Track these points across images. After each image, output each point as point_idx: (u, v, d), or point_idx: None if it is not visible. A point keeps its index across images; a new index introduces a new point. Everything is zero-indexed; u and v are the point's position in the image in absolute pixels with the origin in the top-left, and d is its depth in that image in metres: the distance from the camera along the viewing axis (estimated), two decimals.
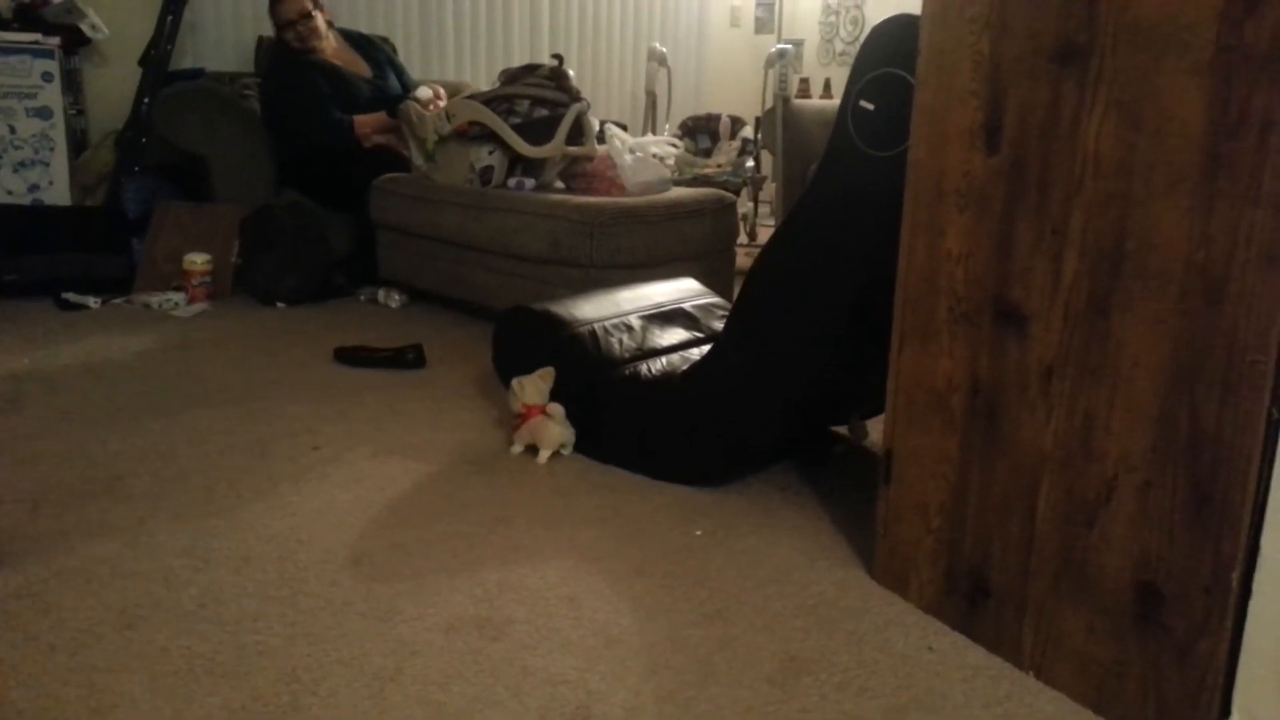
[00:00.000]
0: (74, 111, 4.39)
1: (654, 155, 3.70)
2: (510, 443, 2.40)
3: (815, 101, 5.75)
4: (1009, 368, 1.47)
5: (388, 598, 1.67)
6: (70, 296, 3.72)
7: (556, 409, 2.35)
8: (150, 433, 2.43)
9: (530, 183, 3.67)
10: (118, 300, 3.80)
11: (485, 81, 5.46)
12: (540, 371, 2.37)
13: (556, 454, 2.35)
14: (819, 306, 1.94)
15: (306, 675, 1.45)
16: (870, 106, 1.81)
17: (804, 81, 6.29)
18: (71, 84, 4.37)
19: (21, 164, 4.13)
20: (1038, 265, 1.42)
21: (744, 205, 4.67)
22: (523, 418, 2.36)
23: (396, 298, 3.97)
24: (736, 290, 3.16)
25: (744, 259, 4.17)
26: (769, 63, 4.97)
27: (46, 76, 4.16)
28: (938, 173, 1.56)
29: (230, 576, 1.72)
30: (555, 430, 2.34)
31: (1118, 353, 1.33)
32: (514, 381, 2.37)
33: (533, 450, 2.36)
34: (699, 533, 1.95)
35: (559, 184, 3.77)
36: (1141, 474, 1.32)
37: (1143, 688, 1.34)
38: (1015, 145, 1.45)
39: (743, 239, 4.60)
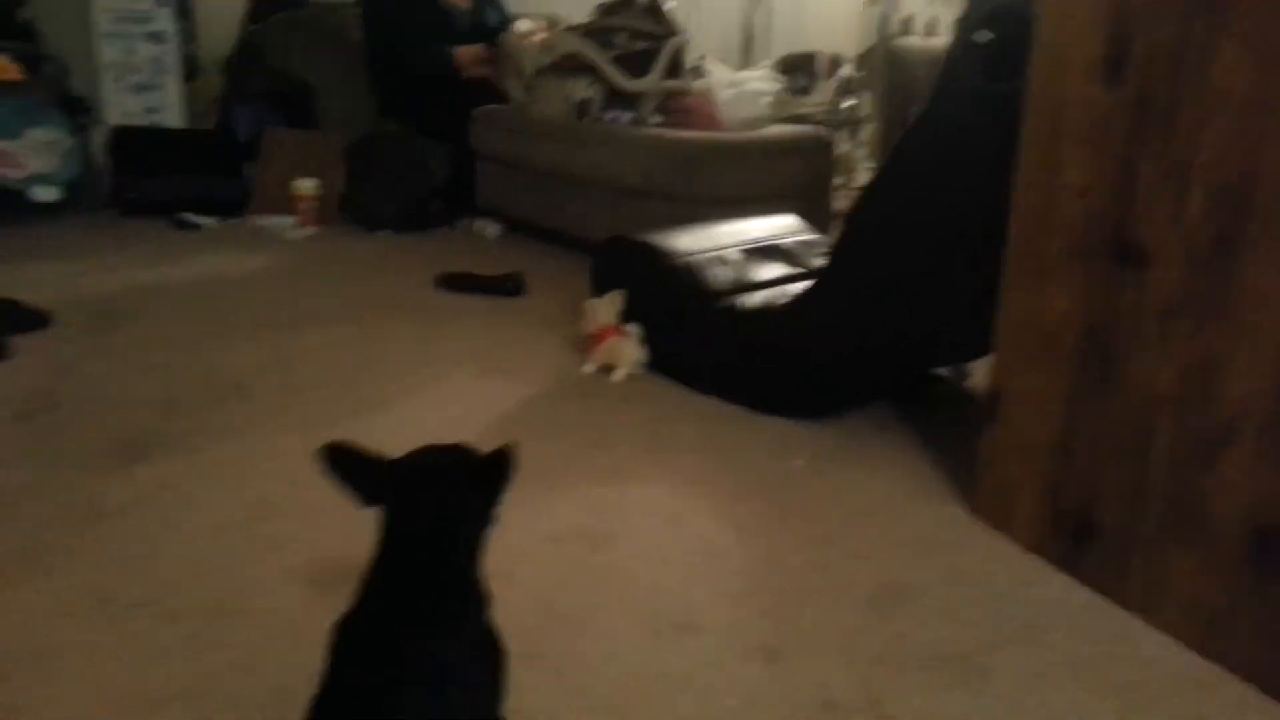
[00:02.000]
0: (185, 37, 4.51)
1: (752, 91, 3.65)
2: (583, 362, 2.47)
3: (919, 41, 5.58)
4: (1125, 307, 1.45)
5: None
6: (188, 217, 3.87)
7: (633, 329, 2.41)
8: (268, 346, 2.55)
9: (626, 116, 3.66)
10: (232, 221, 3.95)
11: (581, 15, 5.43)
12: (610, 294, 2.43)
13: (630, 373, 2.41)
14: (925, 244, 1.92)
15: None
16: (986, 39, 1.77)
17: (907, 20, 6.10)
18: (183, 10, 4.49)
19: (139, 87, 4.29)
20: (1160, 202, 1.39)
21: (841, 146, 4.59)
22: (597, 338, 2.42)
23: (494, 227, 4.04)
24: (832, 231, 3.14)
25: (842, 201, 4.12)
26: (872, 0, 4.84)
27: (160, 1, 4.28)
28: (1056, 106, 1.53)
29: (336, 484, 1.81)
30: (630, 349, 2.40)
31: (1242, 293, 1.31)
32: (586, 304, 2.43)
33: (607, 369, 2.42)
34: (799, 463, 1.98)
35: (655, 118, 3.75)
36: (1263, 416, 1.30)
37: (1254, 631, 1.33)
38: (1140, 78, 1.40)
39: (840, 180, 4.54)
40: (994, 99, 1.71)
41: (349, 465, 1.05)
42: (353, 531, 1.63)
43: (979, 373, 2.35)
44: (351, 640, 0.98)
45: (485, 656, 1.01)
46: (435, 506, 1.03)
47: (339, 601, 1.44)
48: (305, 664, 1.30)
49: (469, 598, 1.02)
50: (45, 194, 3.72)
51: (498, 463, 1.04)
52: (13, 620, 1.38)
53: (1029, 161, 1.58)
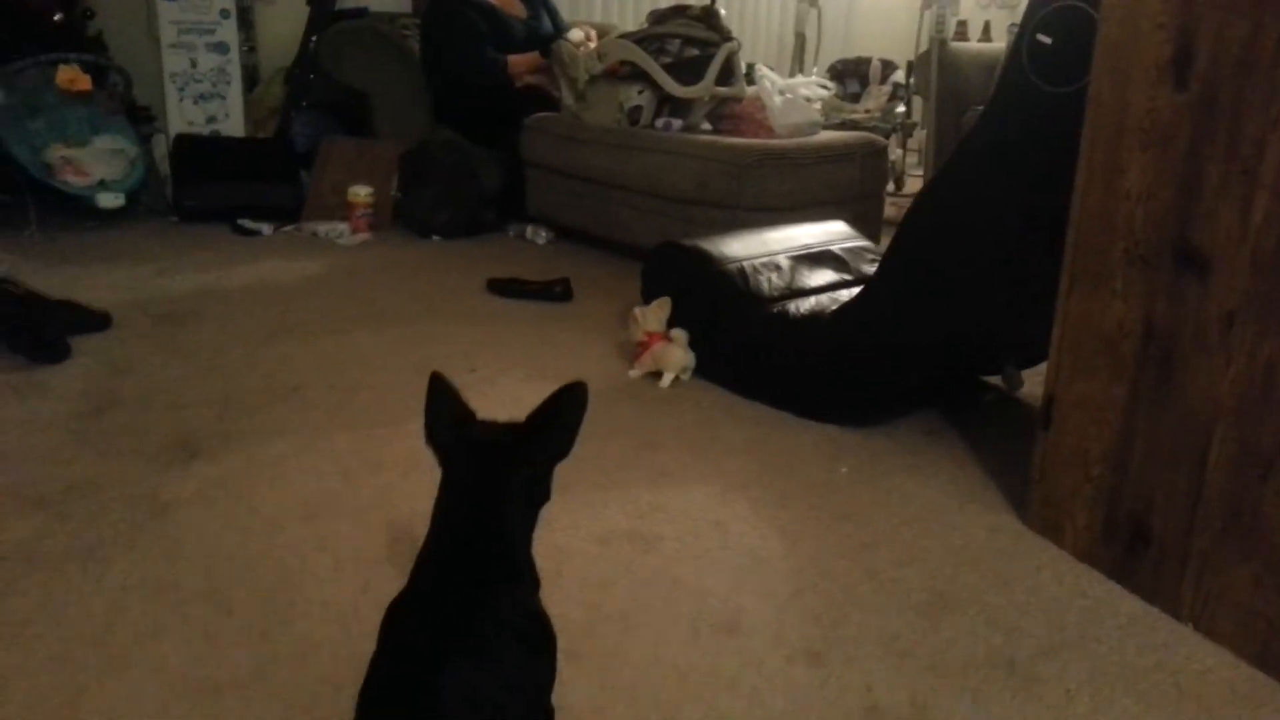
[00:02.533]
0: (246, 48, 4.63)
1: (804, 97, 3.65)
2: (630, 366, 2.48)
3: (973, 45, 5.52)
4: (1187, 313, 1.43)
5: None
6: (245, 223, 3.97)
7: (680, 334, 2.42)
8: (322, 349, 2.60)
9: (678, 123, 3.68)
10: (288, 228, 4.03)
11: (633, 23, 5.46)
12: (658, 301, 2.45)
13: (677, 379, 2.42)
14: (979, 250, 1.90)
15: None
16: (1048, 40, 1.75)
17: (962, 24, 6.04)
18: (244, 21, 4.61)
19: (201, 96, 4.41)
20: (1224, 207, 1.37)
21: (892, 152, 4.56)
22: (644, 345, 2.43)
23: (544, 234, 4.07)
24: (883, 239, 3.12)
25: (891, 209, 4.09)
26: (926, 4, 4.81)
27: (224, 13, 4.40)
28: (1119, 109, 1.51)
29: (400, 480, 1.84)
30: (678, 354, 2.41)
31: None
32: (635, 311, 2.44)
33: (655, 375, 2.43)
34: (845, 470, 1.97)
35: (706, 125, 3.77)
36: None
37: None
38: (1207, 80, 1.38)
39: (890, 188, 4.51)
40: (1055, 102, 1.69)
41: (442, 404, 1.07)
42: (402, 531, 1.66)
43: (1030, 381, 2.32)
44: (400, 617, 0.99)
45: (534, 638, 1.01)
46: (484, 483, 1.03)
47: (388, 596, 1.47)
48: (355, 656, 1.33)
49: (518, 577, 1.03)
50: (110, 200, 3.83)
51: (552, 412, 1.03)
52: (74, 609, 1.42)
53: (1090, 165, 1.56)
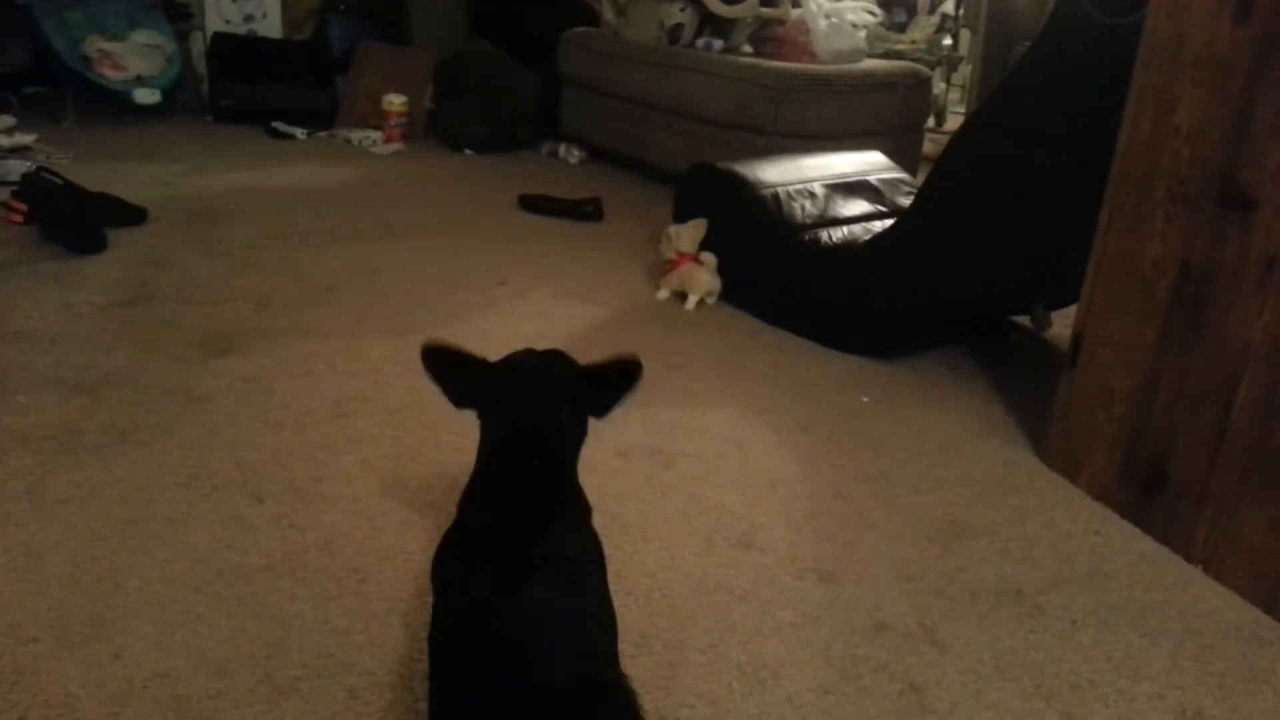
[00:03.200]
0: None
1: (850, 23, 3.56)
2: (657, 287, 2.48)
3: None
4: (1227, 254, 1.41)
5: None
6: (279, 126, 3.96)
7: (709, 258, 2.42)
8: (355, 254, 2.62)
9: (718, 44, 3.61)
10: (321, 133, 4.02)
11: None
12: (694, 221, 2.43)
13: (702, 302, 2.42)
14: (1019, 185, 1.87)
15: None
16: None
17: None
18: None
19: None
20: (1275, 147, 1.34)
21: (936, 86, 4.46)
22: (673, 264, 2.43)
23: (576, 153, 4.04)
24: (921, 174, 3.08)
25: (930, 145, 4.02)
26: None
27: None
28: (1176, 41, 1.47)
29: (430, 384, 1.87)
30: (705, 278, 2.40)
31: None
32: (670, 228, 2.43)
33: (680, 296, 2.43)
34: (866, 399, 1.98)
35: (747, 47, 3.69)
36: None
37: None
38: (1269, 14, 1.34)
39: (931, 122, 4.42)
40: (1110, 33, 1.65)
41: (448, 366, 1.07)
42: (430, 433, 1.70)
43: (1059, 323, 2.31)
44: (466, 553, 0.96)
45: (595, 556, 1.02)
46: (540, 411, 1.04)
47: (414, 494, 1.51)
48: (381, 548, 1.38)
49: (575, 501, 1.04)
50: (146, 96, 3.83)
51: (614, 374, 1.06)
52: (108, 491, 1.47)
53: (1140, 99, 1.52)
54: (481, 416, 1.07)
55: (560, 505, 1.00)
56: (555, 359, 1.10)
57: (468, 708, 0.86)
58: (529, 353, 1.11)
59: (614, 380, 1.06)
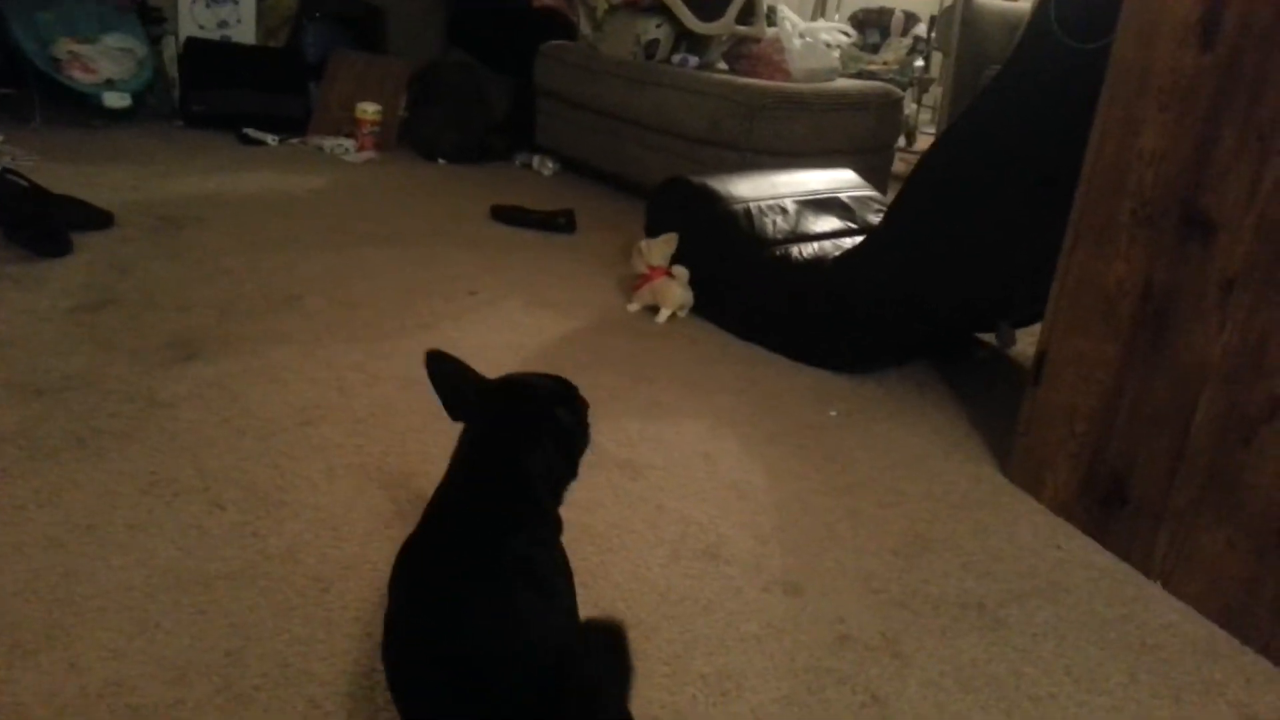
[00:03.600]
0: None
1: (824, 42, 3.61)
2: (629, 300, 2.49)
3: (998, 2, 5.43)
4: (1188, 276, 1.44)
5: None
6: (251, 132, 3.93)
7: (681, 271, 2.43)
8: (323, 263, 2.60)
9: (694, 60, 3.64)
10: (293, 140, 4.00)
11: None
12: (665, 236, 2.45)
13: (674, 315, 2.43)
14: (987, 204, 1.90)
15: None
16: None
17: None
18: None
19: (213, 0, 4.33)
20: (1236, 172, 1.37)
21: (907, 107, 4.51)
22: (645, 278, 2.44)
23: (550, 165, 4.05)
24: (891, 192, 3.11)
25: (900, 164, 4.06)
26: None
27: None
28: (1142, 68, 1.50)
29: (397, 393, 1.86)
30: (677, 291, 2.42)
31: None
32: (641, 243, 2.44)
33: (651, 309, 2.44)
34: (834, 413, 1.99)
35: (722, 64, 3.73)
36: None
37: (1277, 606, 1.33)
38: (1233, 44, 1.37)
39: (901, 142, 4.47)
40: (1078, 57, 1.68)
41: (449, 375, 1.08)
42: (396, 442, 1.69)
43: (1024, 340, 2.34)
44: (417, 557, 0.98)
45: (555, 561, 1.02)
46: (510, 421, 1.05)
47: (379, 504, 1.50)
48: (346, 558, 1.36)
49: (542, 514, 1.05)
50: (116, 100, 3.78)
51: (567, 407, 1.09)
52: (66, 496, 1.45)
53: (1107, 123, 1.55)
54: (464, 431, 1.09)
55: (516, 518, 1.00)
56: (543, 380, 1.11)
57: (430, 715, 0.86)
58: (522, 375, 1.12)
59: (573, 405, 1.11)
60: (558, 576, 1.00)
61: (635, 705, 1.14)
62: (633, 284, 2.49)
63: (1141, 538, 1.51)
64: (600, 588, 1.35)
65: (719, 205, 2.42)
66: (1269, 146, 1.32)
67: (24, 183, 2.59)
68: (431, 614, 0.90)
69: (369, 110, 3.94)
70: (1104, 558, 1.55)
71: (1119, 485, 1.55)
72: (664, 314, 2.42)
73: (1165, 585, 1.48)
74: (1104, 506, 1.58)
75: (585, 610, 1.29)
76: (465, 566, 0.92)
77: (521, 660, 0.87)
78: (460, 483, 1.04)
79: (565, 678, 0.86)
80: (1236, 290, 1.37)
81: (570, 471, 1.15)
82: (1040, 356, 1.69)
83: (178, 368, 1.89)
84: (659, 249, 2.44)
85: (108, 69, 3.77)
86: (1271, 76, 1.32)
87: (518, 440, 1.05)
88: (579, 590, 1.32)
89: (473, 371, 1.08)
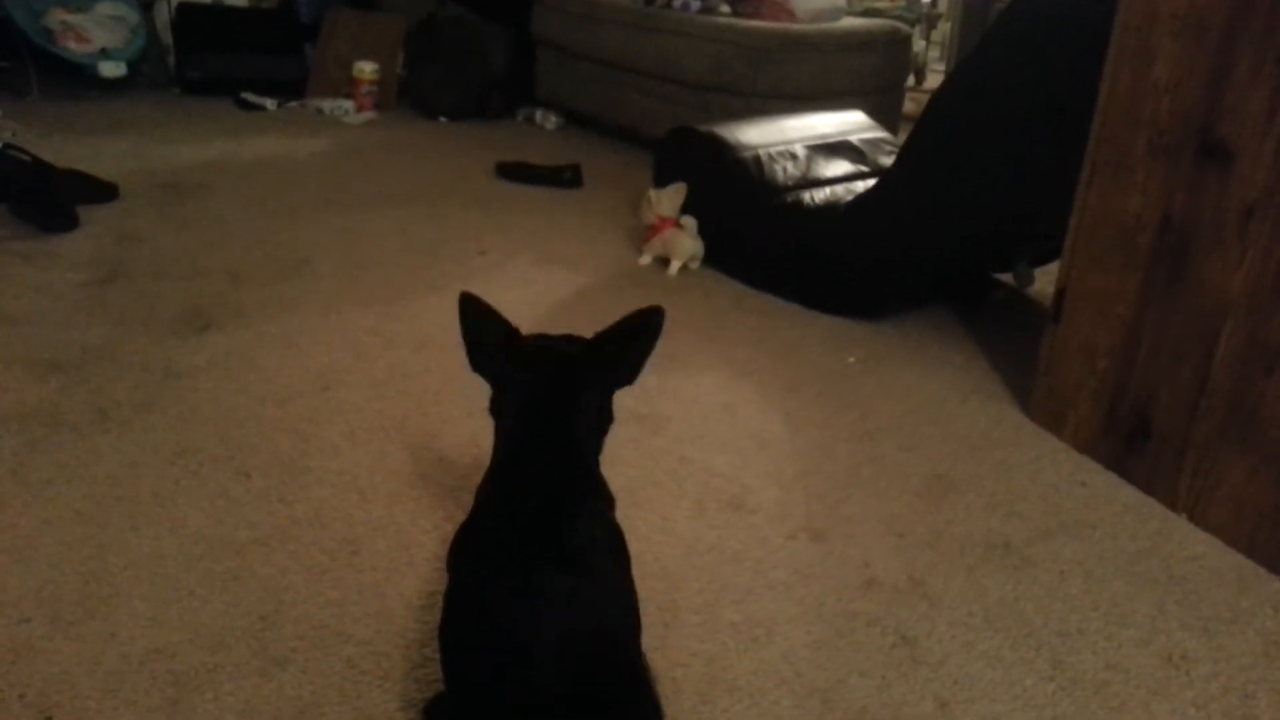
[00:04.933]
0: None
1: None
2: (639, 253, 2.47)
3: None
4: (1206, 206, 1.42)
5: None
6: (249, 96, 3.89)
7: (690, 221, 2.41)
8: (331, 226, 2.59)
9: (696, 4, 3.57)
10: (292, 103, 3.95)
11: None
12: (674, 186, 2.42)
13: (685, 267, 2.41)
14: (1001, 141, 1.87)
15: (486, 442, 1.57)
16: None
17: None
18: None
19: None
20: (1253, 98, 1.34)
21: (915, 44, 4.43)
22: (655, 229, 2.42)
23: (553, 119, 4.00)
24: (901, 134, 3.07)
25: (910, 104, 4.00)
26: None
27: None
28: None
29: (412, 355, 1.86)
30: (688, 242, 2.40)
31: None
32: (650, 193, 2.42)
33: (662, 261, 2.43)
34: (852, 360, 1.99)
35: (725, 6, 3.65)
36: None
37: None
38: None
39: (910, 81, 4.40)
40: None
41: (481, 322, 1.01)
42: (415, 405, 1.69)
43: (1042, 279, 2.32)
44: (481, 542, 0.95)
45: (619, 551, 1.00)
46: (556, 403, 1.00)
47: (402, 465, 1.51)
48: (372, 520, 1.37)
49: (597, 493, 1.01)
50: (111, 69, 3.74)
51: (627, 333, 1.00)
52: (92, 469, 1.46)
53: (1119, 54, 1.52)
54: (498, 389, 1.03)
55: (579, 498, 0.97)
56: (569, 344, 1.05)
57: (482, 707, 0.85)
58: (544, 338, 1.06)
59: (638, 340, 1.01)
60: (611, 563, 0.97)
61: (667, 654, 1.15)
62: (642, 236, 2.47)
63: (1165, 471, 1.51)
64: (628, 542, 1.36)
65: (727, 153, 2.39)
66: None
67: (26, 158, 2.58)
68: (485, 612, 0.88)
69: (366, 70, 3.90)
70: (1128, 493, 1.55)
71: (1141, 420, 1.55)
72: (675, 266, 2.40)
73: (1190, 517, 1.48)
74: (1127, 442, 1.58)
75: None
76: (522, 562, 0.89)
77: (596, 642, 0.87)
78: (510, 468, 0.99)
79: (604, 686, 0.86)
80: (1256, 218, 1.35)
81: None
82: (1059, 294, 1.67)
83: (194, 338, 1.89)
84: (668, 199, 2.41)
85: (102, 38, 3.72)
86: None
87: (561, 420, 1.00)
88: None
89: (506, 324, 1.02)
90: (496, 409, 1.03)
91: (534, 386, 1.01)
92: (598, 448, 1.04)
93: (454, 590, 0.94)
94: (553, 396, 1.00)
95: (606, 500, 1.03)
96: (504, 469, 1.00)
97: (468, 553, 0.96)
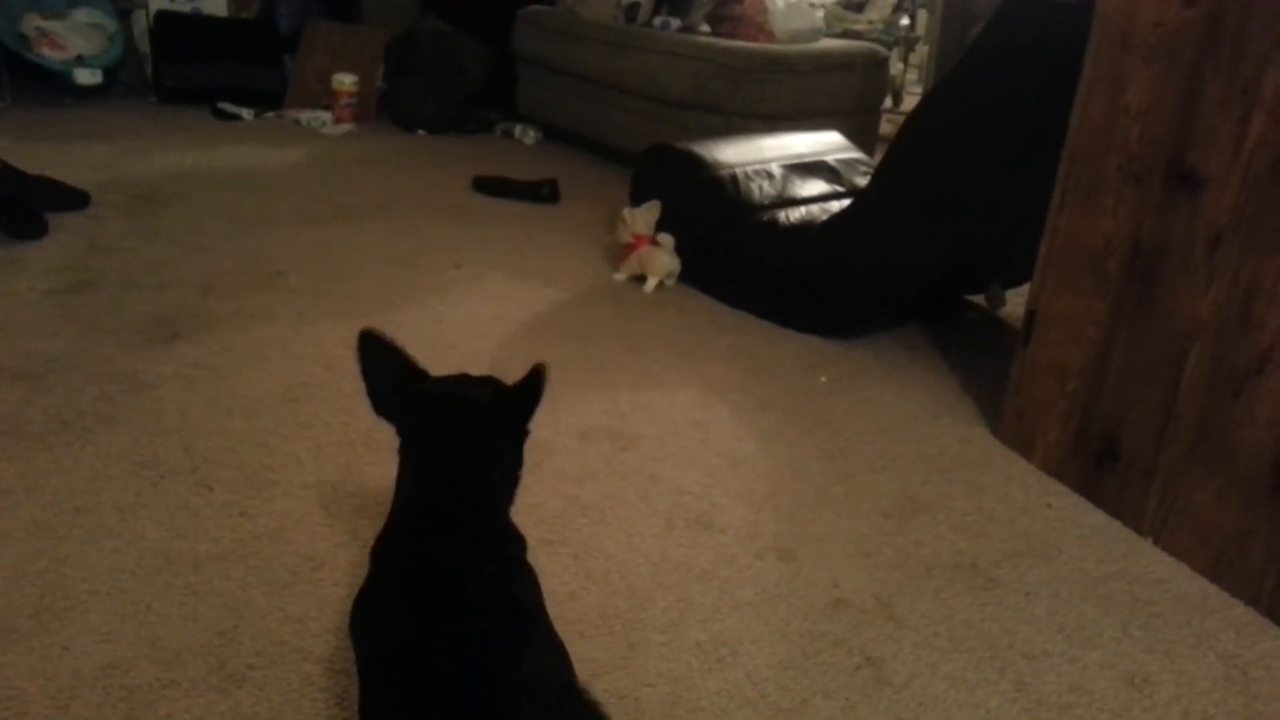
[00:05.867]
0: None
1: (807, 2, 3.56)
2: (615, 270, 2.48)
3: None
4: (1175, 231, 1.43)
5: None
6: (226, 106, 3.87)
7: (666, 239, 2.41)
8: (305, 238, 2.57)
9: (676, 23, 3.59)
10: (269, 114, 3.94)
11: None
12: (648, 204, 2.43)
13: (661, 283, 2.42)
14: (976, 164, 1.88)
15: None
16: None
17: None
18: None
19: None
20: (1222, 126, 1.36)
21: (893, 67, 4.47)
22: (630, 247, 2.42)
23: (532, 134, 4.00)
24: (877, 154, 3.09)
25: (887, 125, 4.03)
26: None
27: None
28: (1127, 22, 1.48)
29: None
30: (664, 259, 2.40)
31: None
32: (624, 211, 2.43)
33: (639, 279, 2.43)
34: (824, 379, 1.99)
35: (705, 26, 3.67)
36: None
37: (1266, 558, 1.34)
38: None
39: (888, 103, 4.44)
40: (1062, 13, 1.66)
41: (382, 363, 0.97)
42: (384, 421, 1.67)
43: (1013, 302, 2.34)
44: (390, 608, 0.88)
45: (532, 591, 0.93)
46: (464, 445, 0.95)
47: (368, 480, 1.49)
48: (337, 535, 1.36)
49: (509, 536, 0.96)
50: (87, 77, 3.72)
51: (530, 384, 0.97)
52: (54, 480, 1.43)
53: (1092, 79, 1.54)
54: (401, 440, 0.98)
55: (493, 544, 0.92)
56: (479, 387, 1.01)
57: None
58: (458, 379, 1.01)
59: (527, 394, 0.98)
60: (534, 607, 0.91)
61: (632, 673, 1.14)
62: (618, 254, 2.47)
63: (1132, 495, 1.52)
64: (593, 559, 1.35)
65: (704, 171, 2.40)
66: (1253, 99, 1.31)
67: None
68: (425, 672, 0.80)
69: (346, 82, 3.89)
70: (1095, 516, 1.56)
71: (1109, 443, 1.55)
72: (651, 283, 2.40)
73: (1156, 541, 1.49)
74: (1095, 465, 1.58)
75: (579, 583, 1.30)
76: (449, 614, 0.83)
77: (545, 692, 0.82)
78: (417, 516, 0.93)
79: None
80: (1224, 244, 1.36)
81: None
82: (1030, 316, 1.68)
83: (161, 348, 1.87)
84: (643, 217, 2.42)
85: (78, 45, 3.70)
86: (1254, 28, 1.30)
87: (478, 464, 0.95)
88: (571, 564, 1.33)
89: (409, 363, 0.97)
90: (401, 444, 0.98)
91: (442, 433, 0.95)
92: (509, 499, 1.00)
93: (375, 663, 0.84)
94: (460, 442, 0.95)
95: (518, 542, 0.97)
96: (406, 524, 0.93)
97: (385, 621, 0.87)
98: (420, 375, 0.99)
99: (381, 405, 0.98)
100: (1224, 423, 1.38)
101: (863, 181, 2.52)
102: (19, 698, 1.04)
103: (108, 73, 3.79)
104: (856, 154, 2.74)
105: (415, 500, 0.94)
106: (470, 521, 0.93)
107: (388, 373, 0.98)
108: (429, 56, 3.96)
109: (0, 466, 1.45)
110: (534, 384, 0.98)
